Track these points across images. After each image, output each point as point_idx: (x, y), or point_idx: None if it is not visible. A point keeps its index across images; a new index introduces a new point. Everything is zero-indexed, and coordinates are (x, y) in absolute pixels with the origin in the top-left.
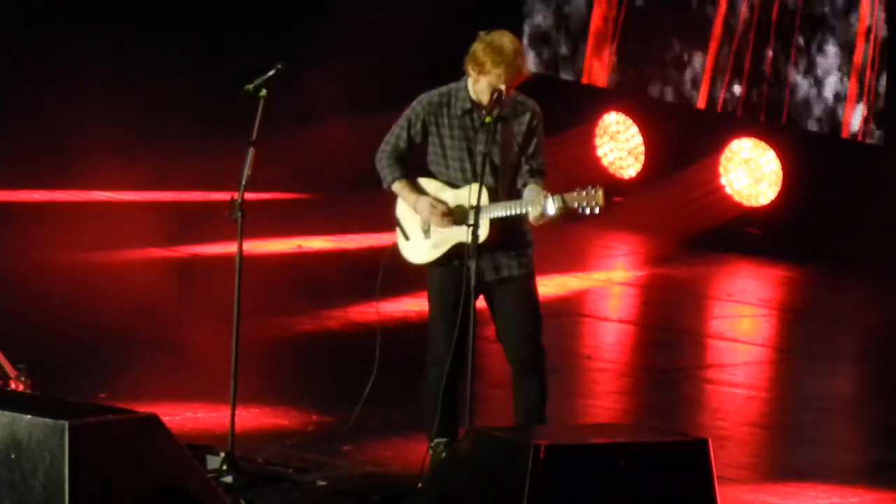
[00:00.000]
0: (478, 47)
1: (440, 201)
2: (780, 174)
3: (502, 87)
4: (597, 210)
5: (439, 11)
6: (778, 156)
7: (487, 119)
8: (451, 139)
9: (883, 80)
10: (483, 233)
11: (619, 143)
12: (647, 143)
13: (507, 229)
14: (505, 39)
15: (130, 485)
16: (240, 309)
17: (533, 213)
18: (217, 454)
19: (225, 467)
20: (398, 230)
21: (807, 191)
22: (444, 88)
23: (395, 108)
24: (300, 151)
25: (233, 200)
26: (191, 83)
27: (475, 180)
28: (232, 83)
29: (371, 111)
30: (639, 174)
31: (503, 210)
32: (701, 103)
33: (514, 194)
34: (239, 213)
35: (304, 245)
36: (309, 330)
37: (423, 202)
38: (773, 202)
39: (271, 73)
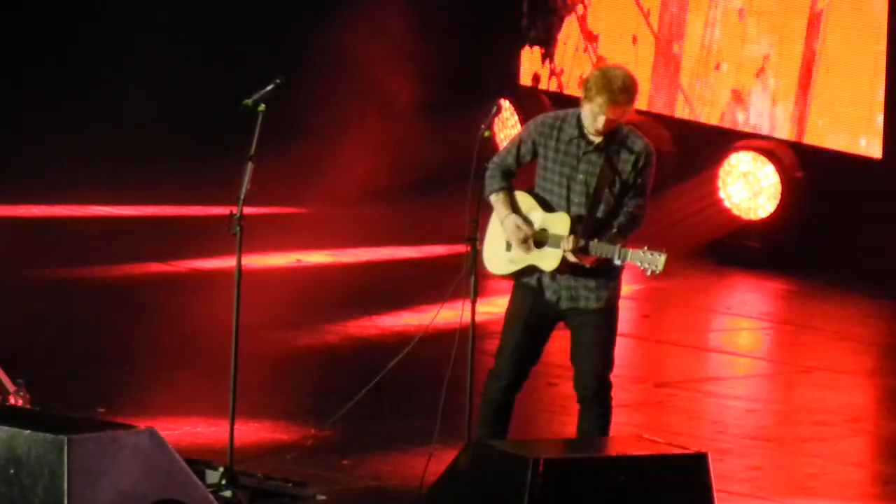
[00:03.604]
0: (591, 74)
1: (527, 222)
2: (779, 187)
3: (602, 117)
4: (656, 272)
5: (443, 23)
6: (777, 169)
7: (597, 140)
8: (555, 163)
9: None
10: (553, 263)
11: None
12: None
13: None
14: (618, 72)
15: (129, 500)
16: (238, 323)
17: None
18: (216, 468)
19: (224, 482)
20: (486, 238)
21: (805, 204)
22: (560, 112)
23: (396, 120)
24: (299, 166)
25: (232, 215)
26: (190, 95)
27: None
28: (232, 95)
29: (372, 124)
30: None
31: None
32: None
33: (605, 229)
34: (238, 228)
35: (303, 259)
36: (308, 344)
37: (511, 220)
38: (771, 215)
39: (270, 87)
